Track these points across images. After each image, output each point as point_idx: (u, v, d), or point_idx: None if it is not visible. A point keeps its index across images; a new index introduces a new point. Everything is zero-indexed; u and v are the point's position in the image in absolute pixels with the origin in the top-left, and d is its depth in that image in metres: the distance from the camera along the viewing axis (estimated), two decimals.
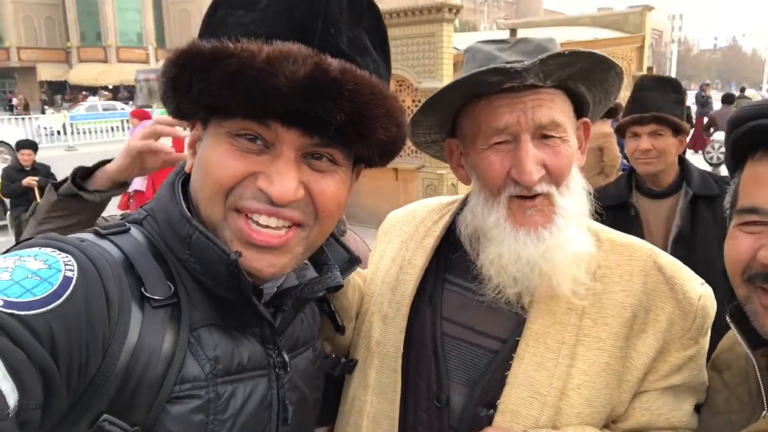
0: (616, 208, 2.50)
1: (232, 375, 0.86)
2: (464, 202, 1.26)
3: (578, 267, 1.07)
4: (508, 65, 0.99)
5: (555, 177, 1.06)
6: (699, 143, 14.88)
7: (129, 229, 0.88)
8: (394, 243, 1.34)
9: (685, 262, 1.18)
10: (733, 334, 1.04)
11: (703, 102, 17.59)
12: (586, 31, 12.96)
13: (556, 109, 1.06)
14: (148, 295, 0.81)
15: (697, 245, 2.19)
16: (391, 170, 8.85)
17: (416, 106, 8.63)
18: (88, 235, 0.85)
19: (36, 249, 0.76)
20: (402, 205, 1.45)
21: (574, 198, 1.10)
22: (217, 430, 0.83)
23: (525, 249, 1.05)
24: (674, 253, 1.20)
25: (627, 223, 2.44)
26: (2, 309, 0.65)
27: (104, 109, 26.83)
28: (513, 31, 9.30)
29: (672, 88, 2.49)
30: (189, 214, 0.86)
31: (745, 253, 0.94)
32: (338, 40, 0.83)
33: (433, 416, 1.13)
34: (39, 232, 1.51)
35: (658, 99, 2.43)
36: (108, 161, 1.58)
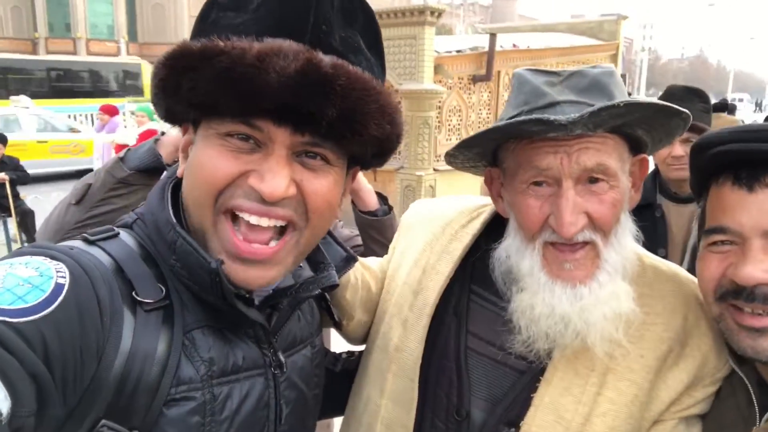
0: (640, 208, 2.53)
1: (227, 376, 0.87)
2: (495, 219, 1.21)
3: (616, 327, 1.00)
4: (553, 118, 0.91)
5: (600, 226, 1.00)
6: None
7: (118, 234, 0.88)
8: (417, 242, 1.28)
9: None
10: None
11: None
12: (563, 38, 13.16)
13: (605, 152, 0.98)
14: (139, 299, 0.81)
15: None
16: (370, 171, 8.83)
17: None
18: (76, 243, 0.85)
19: (27, 257, 0.76)
20: None
21: (621, 248, 1.03)
22: (214, 431, 0.84)
23: (560, 305, 0.99)
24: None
25: (652, 223, 2.49)
26: None
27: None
28: (493, 36, 9.37)
29: (699, 98, 2.53)
30: (174, 220, 0.86)
31: (715, 272, 0.97)
32: (330, 37, 0.83)
33: (451, 428, 1.11)
34: (90, 217, 1.56)
35: (689, 108, 2.44)
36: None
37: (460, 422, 1.11)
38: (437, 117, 8.56)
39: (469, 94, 9.72)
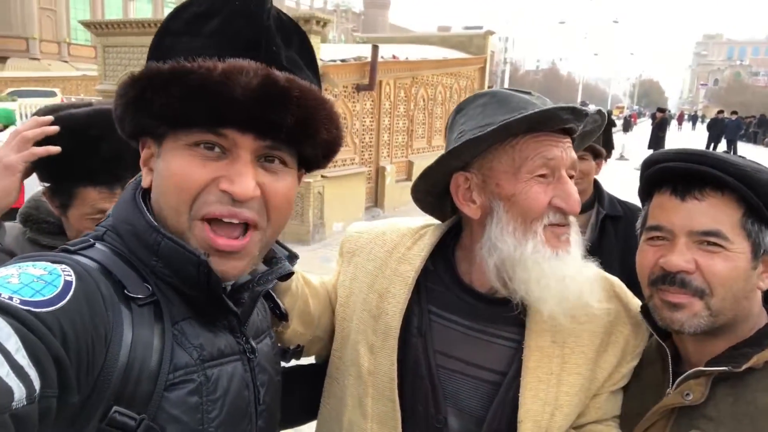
0: None
1: (215, 360, 0.95)
2: (446, 234, 1.34)
3: (594, 287, 1.20)
4: (583, 108, 1.17)
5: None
6: None
7: (94, 243, 0.93)
8: (366, 267, 1.36)
9: None
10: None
11: None
12: (437, 51, 13.90)
13: (573, 151, 1.21)
14: (131, 295, 0.87)
15: (603, 256, 2.51)
16: None
17: None
18: (58, 253, 0.89)
19: (31, 261, 0.81)
20: None
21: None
22: (210, 409, 0.92)
23: (567, 268, 1.16)
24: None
25: None
26: (20, 306, 0.71)
27: None
28: (375, 47, 9.72)
29: None
30: (156, 224, 0.92)
31: (651, 260, 1.25)
32: (279, 57, 0.95)
33: None
34: None
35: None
36: None
37: (441, 429, 1.23)
38: None
39: (354, 102, 10.00)
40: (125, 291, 0.87)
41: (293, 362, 1.37)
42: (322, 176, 8.67)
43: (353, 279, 1.37)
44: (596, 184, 2.73)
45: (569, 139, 1.21)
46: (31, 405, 0.66)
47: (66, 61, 38.29)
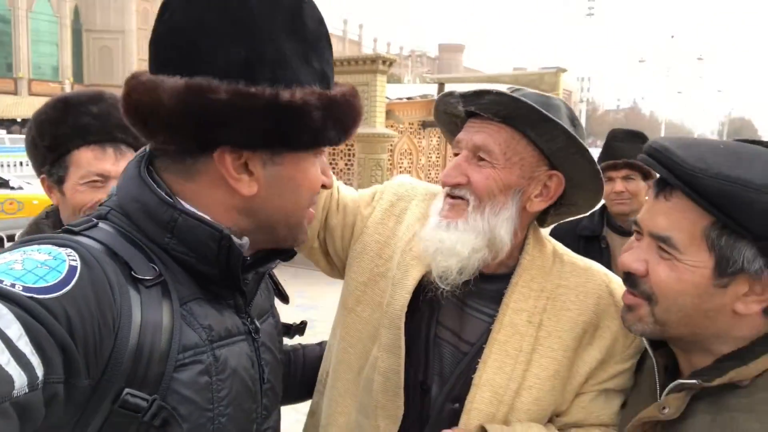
0: (588, 239, 2.81)
1: (223, 340, 0.94)
2: None
3: (458, 265, 1.20)
4: (461, 91, 1.24)
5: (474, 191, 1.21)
6: None
7: (98, 223, 0.91)
8: (414, 213, 1.39)
9: None
10: None
11: None
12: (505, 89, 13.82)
13: (492, 138, 1.19)
14: (138, 276, 0.85)
15: None
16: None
17: (348, 149, 8.88)
18: (63, 235, 0.87)
19: (36, 245, 0.81)
20: None
21: (489, 218, 1.20)
22: (220, 388, 0.92)
23: (446, 237, 1.20)
24: None
25: (597, 253, 2.72)
26: (23, 293, 0.70)
27: (12, 143, 25.87)
28: (441, 85, 9.85)
29: (640, 140, 2.74)
30: (171, 200, 0.90)
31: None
32: None
33: (417, 399, 1.28)
34: None
35: (629, 149, 2.70)
36: None
37: (425, 393, 1.28)
38: (389, 159, 8.85)
39: (419, 138, 10.10)
40: (132, 273, 0.86)
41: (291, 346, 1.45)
42: None
43: (398, 222, 1.39)
44: None
45: (483, 122, 1.22)
46: (33, 392, 0.66)
47: None
